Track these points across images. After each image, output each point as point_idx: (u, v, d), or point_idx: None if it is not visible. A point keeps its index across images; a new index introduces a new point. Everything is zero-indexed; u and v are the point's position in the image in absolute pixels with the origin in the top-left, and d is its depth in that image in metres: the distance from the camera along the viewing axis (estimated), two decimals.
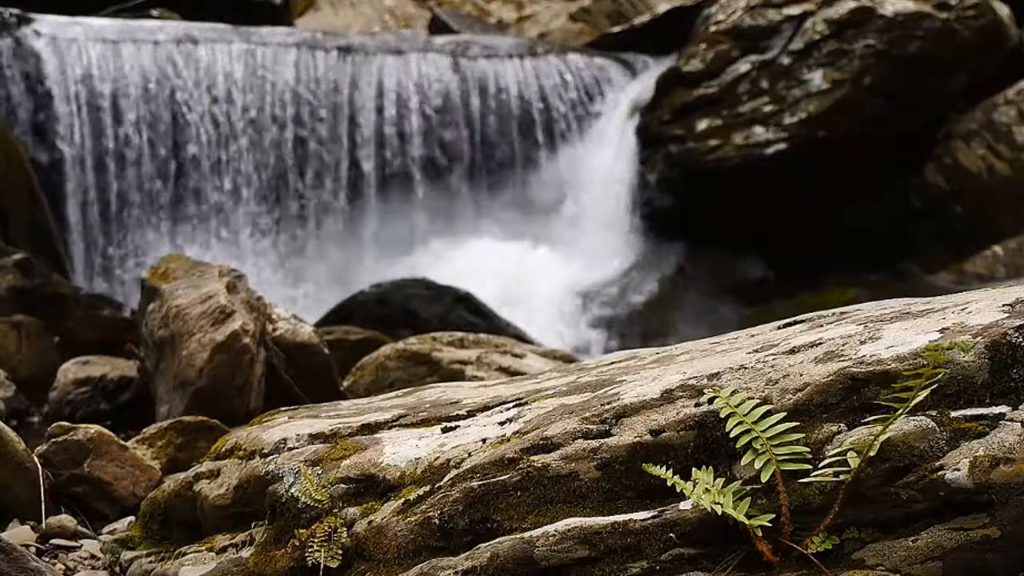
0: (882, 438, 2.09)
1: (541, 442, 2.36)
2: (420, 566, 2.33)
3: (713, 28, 10.01)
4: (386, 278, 8.62)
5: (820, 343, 2.37)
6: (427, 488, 2.42)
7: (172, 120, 9.50)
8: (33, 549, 3.17)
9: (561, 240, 10.13)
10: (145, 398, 5.03)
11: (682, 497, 2.19)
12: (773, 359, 2.36)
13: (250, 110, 9.74)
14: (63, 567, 3.13)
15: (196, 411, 4.21)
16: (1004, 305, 2.27)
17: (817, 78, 9.51)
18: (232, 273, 4.97)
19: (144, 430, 4.01)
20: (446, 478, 2.41)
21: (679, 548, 2.18)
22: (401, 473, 2.52)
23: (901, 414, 2.10)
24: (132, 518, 3.42)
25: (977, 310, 2.29)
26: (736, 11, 9.95)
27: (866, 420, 2.15)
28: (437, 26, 12.58)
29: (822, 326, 2.55)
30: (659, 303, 9.61)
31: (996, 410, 2.10)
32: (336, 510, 2.52)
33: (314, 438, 2.81)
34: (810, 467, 2.14)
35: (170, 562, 2.92)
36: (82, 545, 3.32)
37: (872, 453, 2.09)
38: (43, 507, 3.44)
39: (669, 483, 2.19)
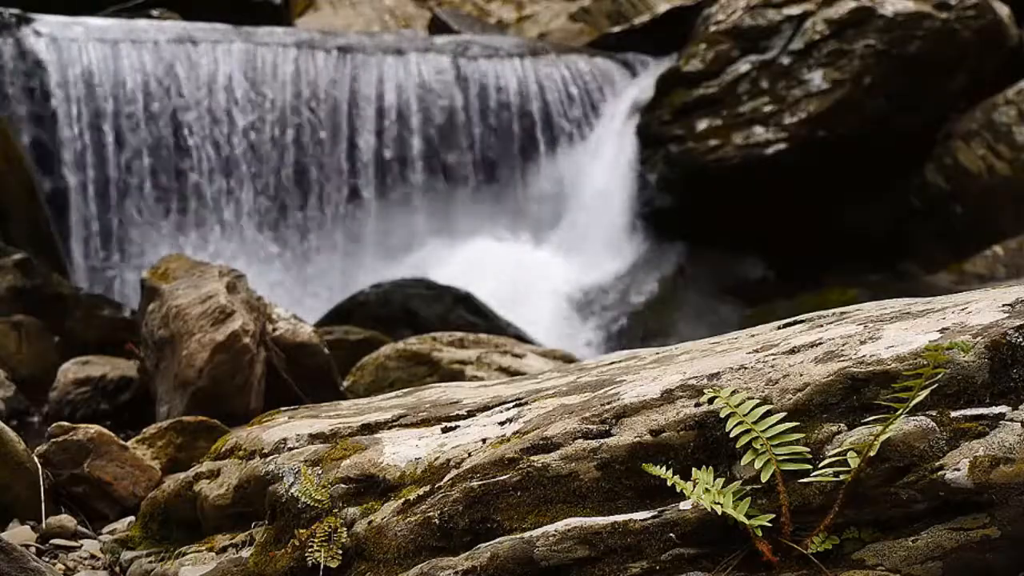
0: (882, 438, 2.09)
1: (541, 442, 2.36)
2: (420, 566, 2.33)
3: (713, 28, 10.01)
4: (386, 278, 8.62)
5: (820, 343, 2.36)
6: (427, 488, 2.42)
7: (172, 120, 9.51)
8: (33, 549, 3.17)
9: (561, 240, 10.13)
10: (145, 398, 5.04)
11: (682, 497, 2.18)
12: (773, 359, 2.36)
13: (250, 110, 9.74)
14: (63, 567, 3.13)
15: (196, 411, 4.21)
16: (1004, 305, 2.27)
17: (817, 78, 9.51)
18: (232, 273, 4.97)
19: (144, 430, 4.02)
20: (446, 478, 2.41)
21: (679, 548, 2.18)
22: (401, 473, 2.51)
23: (901, 414, 2.10)
24: (132, 518, 3.42)
25: (977, 310, 2.29)
26: (736, 11, 9.95)
27: (866, 420, 2.15)
28: (437, 26, 12.58)
29: (822, 326, 2.55)
30: (659, 303, 9.61)
31: (996, 410, 2.10)
32: (336, 510, 2.52)
33: (314, 438, 2.81)
34: (810, 467, 2.14)
35: (170, 562, 2.92)
36: (82, 545, 3.32)
37: (872, 453, 2.09)
38: (43, 507, 3.45)
39: (669, 483, 2.19)
